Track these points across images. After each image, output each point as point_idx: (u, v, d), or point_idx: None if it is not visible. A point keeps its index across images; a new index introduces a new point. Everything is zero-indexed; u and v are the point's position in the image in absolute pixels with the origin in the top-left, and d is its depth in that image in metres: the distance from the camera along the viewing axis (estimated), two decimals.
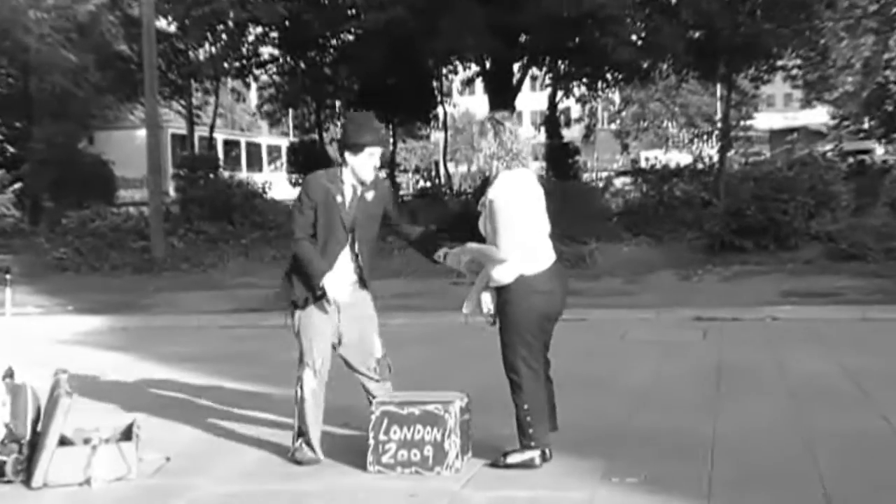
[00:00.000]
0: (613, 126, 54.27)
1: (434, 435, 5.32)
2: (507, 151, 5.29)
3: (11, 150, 27.37)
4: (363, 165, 5.51)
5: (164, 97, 25.41)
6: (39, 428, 5.46)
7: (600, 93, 31.87)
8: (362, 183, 5.56)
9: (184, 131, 28.88)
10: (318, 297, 5.57)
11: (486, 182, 5.48)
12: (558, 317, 5.48)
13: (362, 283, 5.79)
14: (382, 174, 5.95)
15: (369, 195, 5.61)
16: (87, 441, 5.44)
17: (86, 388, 8.05)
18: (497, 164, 5.30)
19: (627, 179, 25.80)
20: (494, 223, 5.20)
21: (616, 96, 48.20)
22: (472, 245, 5.40)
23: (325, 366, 5.72)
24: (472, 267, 5.49)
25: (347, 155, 5.53)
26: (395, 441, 5.35)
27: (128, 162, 28.03)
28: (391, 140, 31.63)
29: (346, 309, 5.62)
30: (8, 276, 5.93)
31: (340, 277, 5.56)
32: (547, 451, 5.42)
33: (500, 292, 5.33)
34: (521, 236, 5.23)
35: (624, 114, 53.03)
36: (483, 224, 5.35)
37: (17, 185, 24.35)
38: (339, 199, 5.52)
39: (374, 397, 5.71)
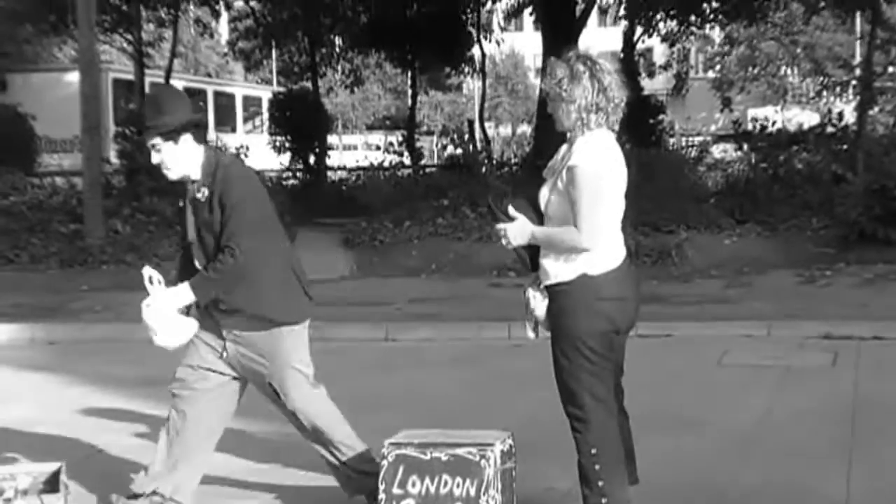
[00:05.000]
0: (711, 74, 54.01)
1: (466, 489, 5.33)
2: (609, 101, 5.28)
3: None
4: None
5: (103, 29, 25.50)
6: None
7: (694, 29, 31.72)
8: (190, 180, 5.64)
9: (130, 76, 29.01)
10: None
11: (538, 148, 5.44)
12: (629, 330, 5.47)
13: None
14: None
15: (201, 193, 5.62)
16: None
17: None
18: (596, 118, 5.27)
19: (730, 146, 25.60)
20: (579, 198, 5.15)
21: (716, 34, 47.94)
22: (540, 229, 5.34)
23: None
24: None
25: None
26: (414, 496, 5.37)
27: (54, 116, 28.24)
28: (413, 92, 31.64)
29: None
30: None
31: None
32: None
33: (555, 297, 5.31)
34: (607, 220, 5.22)
35: (727, 58, 52.79)
36: (546, 198, 5.31)
37: None
38: (181, 202, 5.72)
39: None
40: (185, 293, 5.53)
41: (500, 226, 5.33)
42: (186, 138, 5.54)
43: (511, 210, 5.32)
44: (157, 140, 5.51)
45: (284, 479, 6.53)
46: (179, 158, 5.55)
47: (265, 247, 5.57)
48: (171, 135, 5.50)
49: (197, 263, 5.63)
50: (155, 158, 5.57)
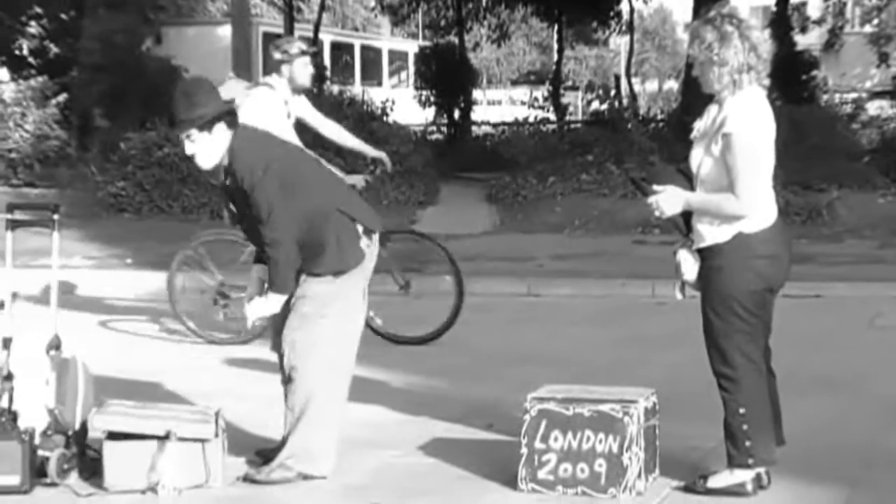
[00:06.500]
0: (868, 28, 52.73)
1: (609, 445, 5.34)
2: (759, 58, 5.22)
3: (55, 50, 28.03)
4: None
5: None
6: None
7: None
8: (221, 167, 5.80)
9: (279, 29, 29.34)
10: None
11: (685, 105, 5.41)
12: (780, 289, 5.42)
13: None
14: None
15: (229, 179, 5.83)
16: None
17: (153, 368, 8.35)
18: (748, 77, 5.22)
19: (886, 103, 25.08)
20: (735, 165, 5.12)
21: None
22: (696, 197, 5.29)
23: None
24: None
25: None
26: (556, 451, 5.40)
27: (206, 68, 28.51)
28: (559, 47, 31.48)
29: None
30: (55, 217, 6.15)
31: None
32: (764, 473, 5.37)
33: (709, 256, 5.27)
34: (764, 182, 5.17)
35: (886, 11, 51.47)
36: (699, 161, 5.27)
37: (62, 97, 25.09)
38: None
39: None
40: (274, 300, 5.73)
41: (652, 198, 5.32)
42: (220, 127, 5.65)
43: (655, 186, 5.31)
44: (193, 131, 5.62)
45: (427, 431, 6.57)
46: (213, 148, 5.67)
47: (301, 211, 5.68)
48: (207, 126, 5.62)
49: (252, 243, 5.87)
50: (188, 149, 5.68)
